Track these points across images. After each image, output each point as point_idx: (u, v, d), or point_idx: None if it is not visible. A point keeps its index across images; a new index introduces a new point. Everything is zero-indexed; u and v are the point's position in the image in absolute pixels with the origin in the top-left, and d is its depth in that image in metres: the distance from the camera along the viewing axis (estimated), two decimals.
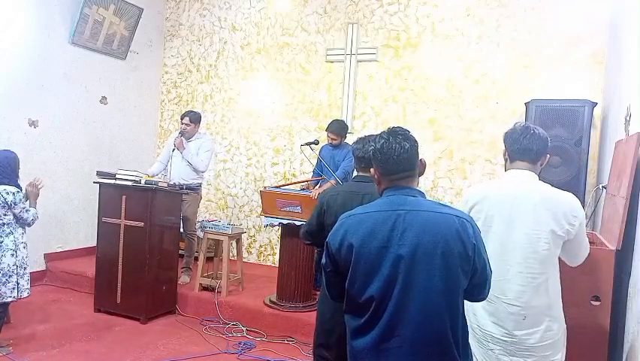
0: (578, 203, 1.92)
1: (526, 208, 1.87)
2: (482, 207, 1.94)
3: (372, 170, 1.59)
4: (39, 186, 3.48)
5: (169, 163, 4.55)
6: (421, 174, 1.58)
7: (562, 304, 1.95)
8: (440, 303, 1.40)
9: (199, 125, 4.69)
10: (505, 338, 1.88)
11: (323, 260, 1.58)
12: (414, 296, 1.39)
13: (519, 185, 1.94)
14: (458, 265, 1.42)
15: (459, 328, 1.45)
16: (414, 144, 1.54)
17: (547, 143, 1.99)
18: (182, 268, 4.64)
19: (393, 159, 1.51)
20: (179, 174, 4.51)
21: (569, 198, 1.91)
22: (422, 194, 1.54)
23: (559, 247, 1.89)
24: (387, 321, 1.41)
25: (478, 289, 1.52)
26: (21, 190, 3.31)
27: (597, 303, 2.44)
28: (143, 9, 5.58)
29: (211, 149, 4.74)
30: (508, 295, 1.87)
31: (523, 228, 1.87)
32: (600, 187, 3.46)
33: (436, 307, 1.40)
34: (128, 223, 4.02)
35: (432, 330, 1.40)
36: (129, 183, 4.05)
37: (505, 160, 2.06)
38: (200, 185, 4.72)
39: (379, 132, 1.60)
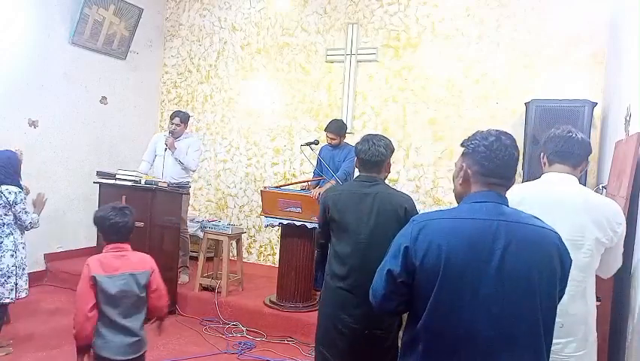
0: (621, 210, 1.84)
1: (568, 213, 1.77)
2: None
3: (464, 165, 1.42)
4: (44, 200, 3.53)
5: (161, 163, 4.57)
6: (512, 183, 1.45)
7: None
8: (539, 326, 1.30)
9: (187, 125, 4.77)
10: None
11: (395, 269, 1.35)
12: (515, 319, 1.27)
13: (559, 188, 1.84)
14: (556, 285, 1.33)
15: (549, 352, 1.35)
16: (518, 156, 1.41)
17: (590, 148, 1.90)
18: (180, 267, 4.63)
19: (499, 159, 1.36)
20: (170, 174, 4.53)
21: (612, 204, 1.83)
22: None
23: (600, 254, 1.81)
24: (485, 347, 1.26)
25: None
26: (22, 190, 3.31)
27: (597, 303, 2.44)
28: (143, 9, 5.58)
29: (199, 148, 4.86)
30: None
31: (565, 233, 1.72)
32: (600, 187, 3.45)
33: (536, 331, 1.30)
34: None
35: (531, 356, 1.29)
36: (129, 183, 4.05)
37: (543, 164, 1.96)
38: (188, 183, 4.75)
39: (486, 130, 1.43)
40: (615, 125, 3.48)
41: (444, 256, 1.27)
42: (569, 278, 1.74)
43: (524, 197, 1.84)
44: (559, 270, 1.33)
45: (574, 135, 1.87)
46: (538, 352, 1.31)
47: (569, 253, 1.36)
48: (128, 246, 2.30)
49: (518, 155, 1.41)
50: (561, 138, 1.88)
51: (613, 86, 3.84)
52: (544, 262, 1.30)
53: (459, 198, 1.46)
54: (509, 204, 1.84)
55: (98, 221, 2.28)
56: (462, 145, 1.45)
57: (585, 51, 4.34)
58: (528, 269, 1.28)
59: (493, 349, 1.27)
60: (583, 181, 3.79)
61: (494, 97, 4.68)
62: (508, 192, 1.97)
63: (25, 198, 3.31)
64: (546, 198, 1.82)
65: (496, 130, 1.42)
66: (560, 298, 1.42)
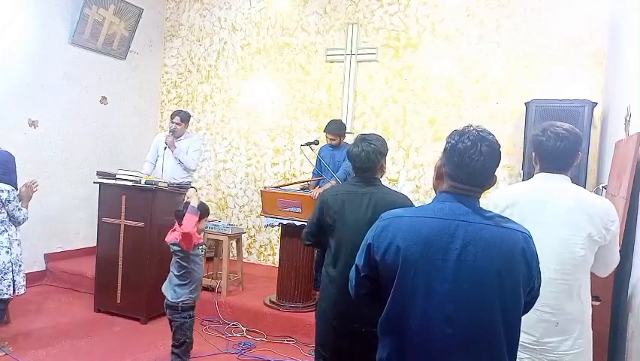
0: (614, 207, 1.83)
1: (561, 212, 1.77)
2: (513, 212, 1.81)
3: (440, 162, 1.44)
4: (34, 188, 3.49)
5: (161, 163, 4.58)
6: (487, 188, 1.40)
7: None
8: (498, 326, 1.28)
9: (188, 125, 4.77)
10: (533, 346, 1.79)
11: (359, 263, 1.42)
12: (471, 318, 1.27)
13: (551, 188, 1.84)
14: (520, 285, 1.30)
15: (515, 352, 1.34)
16: (498, 156, 1.36)
17: (581, 144, 1.86)
18: None
19: (470, 167, 1.33)
20: (170, 174, 4.54)
21: (605, 202, 1.83)
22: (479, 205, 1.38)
23: (594, 252, 1.80)
24: (441, 344, 1.28)
25: (526, 307, 1.40)
26: (16, 189, 3.33)
27: (597, 303, 2.44)
28: (143, 9, 5.58)
29: (199, 148, 4.85)
30: (541, 301, 1.70)
31: (559, 232, 1.76)
32: (600, 187, 3.45)
33: (493, 332, 1.28)
34: (128, 223, 4.02)
35: (488, 354, 1.29)
36: (129, 183, 4.05)
37: (535, 163, 1.94)
38: (189, 183, 4.75)
39: (469, 129, 1.37)
40: (615, 125, 3.48)
41: (401, 253, 1.30)
42: (565, 278, 1.75)
43: (517, 199, 1.85)
44: (523, 271, 1.30)
45: (561, 145, 1.81)
46: (496, 354, 1.30)
47: (534, 254, 1.34)
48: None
49: (497, 161, 1.36)
50: (550, 150, 1.84)
51: (613, 86, 3.84)
52: (506, 264, 1.28)
53: (434, 189, 1.49)
54: (499, 206, 1.84)
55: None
56: (447, 139, 1.42)
57: (585, 51, 4.34)
58: (487, 270, 1.27)
59: (450, 347, 1.28)
60: (583, 182, 3.81)
61: (494, 97, 4.67)
62: (498, 194, 1.95)
63: (17, 196, 3.32)
64: (538, 199, 1.82)
65: (479, 132, 1.35)
66: (534, 298, 1.42)
